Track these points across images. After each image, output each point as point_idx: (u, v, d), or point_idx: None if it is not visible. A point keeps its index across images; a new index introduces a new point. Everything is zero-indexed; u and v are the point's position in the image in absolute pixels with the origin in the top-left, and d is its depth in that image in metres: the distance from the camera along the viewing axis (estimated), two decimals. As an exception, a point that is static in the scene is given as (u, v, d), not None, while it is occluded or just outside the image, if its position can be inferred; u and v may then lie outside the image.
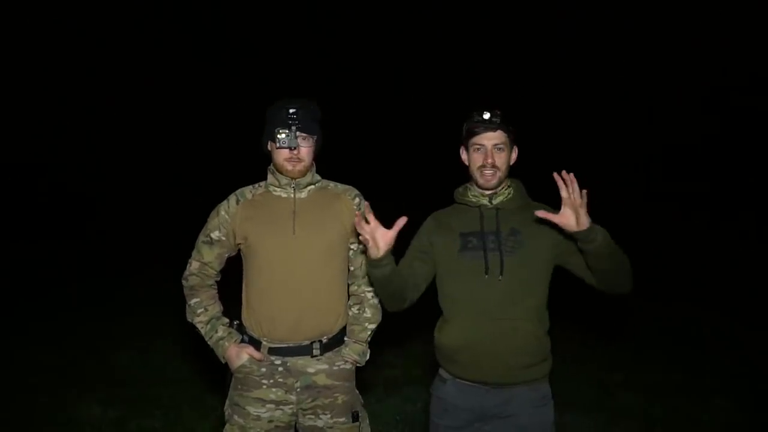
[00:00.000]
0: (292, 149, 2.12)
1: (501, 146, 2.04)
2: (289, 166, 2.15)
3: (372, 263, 1.97)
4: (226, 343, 2.19)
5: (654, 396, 4.26)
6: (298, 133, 2.11)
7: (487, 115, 2.03)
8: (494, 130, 2.03)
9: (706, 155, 14.33)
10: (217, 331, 2.21)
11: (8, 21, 13.75)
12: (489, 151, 2.03)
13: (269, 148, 2.20)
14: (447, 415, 2.08)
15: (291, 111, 2.11)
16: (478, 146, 2.05)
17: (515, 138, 2.10)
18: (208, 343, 2.24)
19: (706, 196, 13.45)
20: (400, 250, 2.20)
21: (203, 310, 2.23)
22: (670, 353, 5.33)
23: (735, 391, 4.33)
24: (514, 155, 2.12)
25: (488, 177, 2.04)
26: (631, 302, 6.93)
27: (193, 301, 2.25)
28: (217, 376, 2.42)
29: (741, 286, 7.81)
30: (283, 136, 2.10)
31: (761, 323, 6.02)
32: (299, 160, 2.15)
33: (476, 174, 2.07)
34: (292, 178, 2.18)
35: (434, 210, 2.24)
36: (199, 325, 2.24)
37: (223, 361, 2.23)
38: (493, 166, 2.03)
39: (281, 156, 2.15)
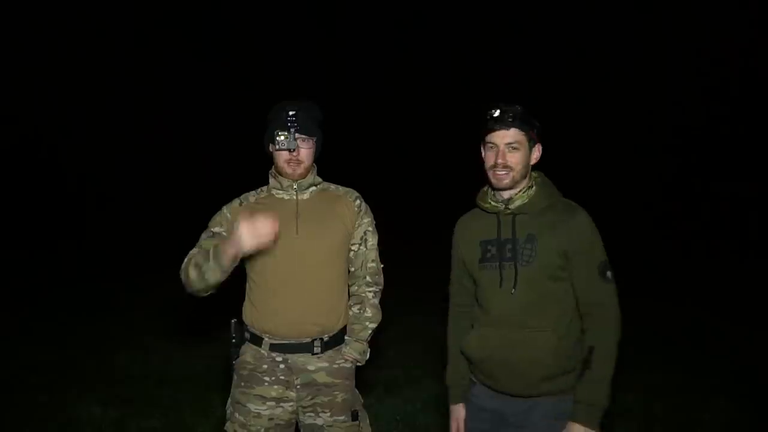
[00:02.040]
0: (291, 151, 2.13)
1: (515, 145, 1.91)
2: (288, 169, 2.17)
3: None
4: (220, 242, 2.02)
5: (654, 396, 4.26)
6: (297, 135, 2.12)
7: (497, 113, 1.91)
8: (507, 128, 1.91)
9: (707, 156, 14.33)
10: (210, 248, 2.04)
11: (12, 21, 13.76)
12: (501, 151, 1.92)
13: (270, 150, 2.21)
14: (476, 417, 2.06)
15: (290, 113, 2.12)
16: (491, 144, 1.94)
17: (537, 135, 1.98)
18: (210, 262, 2.00)
19: (707, 197, 13.45)
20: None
21: (196, 251, 2.13)
22: (670, 353, 5.33)
23: (735, 391, 4.33)
24: (537, 154, 1.99)
25: (500, 177, 1.93)
26: (630, 302, 6.92)
27: (187, 258, 2.12)
28: (217, 375, 2.43)
29: (741, 286, 7.81)
30: (282, 138, 2.11)
31: (761, 323, 6.02)
32: (299, 162, 2.16)
33: (489, 173, 1.97)
34: (293, 180, 2.19)
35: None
36: (193, 257, 2.08)
37: (228, 260, 1.97)
38: (505, 166, 1.92)
39: (281, 158, 2.16)
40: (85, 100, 15.49)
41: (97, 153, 15.41)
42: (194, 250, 2.19)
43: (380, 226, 2.35)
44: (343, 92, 15.99)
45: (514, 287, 1.91)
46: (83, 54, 15.32)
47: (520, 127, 1.92)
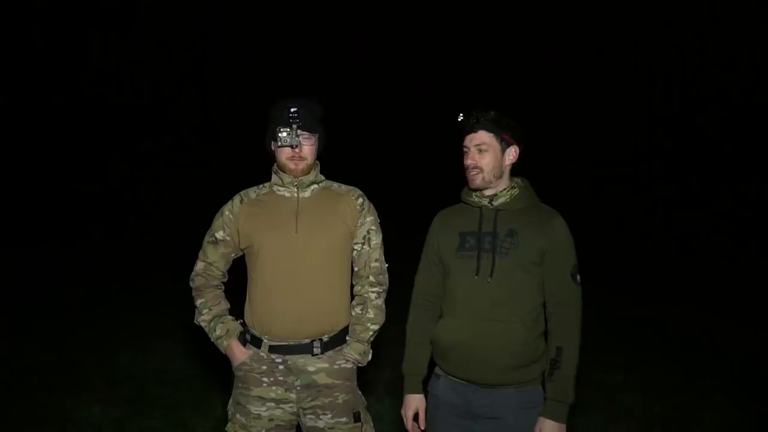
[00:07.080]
0: (294, 147, 2.14)
1: (483, 147, 2.02)
2: (291, 165, 2.17)
3: None
4: (225, 342, 2.21)
5: (654, 396, 4.26)
6: (299, 131, 2.13)
7: (460, 118, 2.05)
8: (475, 131, 2.02)
9: (705, 158, 14.35)
10: (215, 331, 2.23)
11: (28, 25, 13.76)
12: (471, 152, 2.04)
13: (273, 147, 2.21)
14: (439, 412, 2.10)
15: (292, 110, 2.12)
16: (465, 148, 2.06)
17: (512, 138, 2.04)
18: (209, 334, 2.26)
19: (705, 198, 13.47)
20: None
21: (207, 311, 2.25)
22: (670, 353, 5.34)
23: (735, 391, 4.34)
24: (512, 155, 2.06)
25: (472, 177, 2.05)
26: (630, 302, 6.93)
27: (198, 302, 2.27)
28: (217, 375, 2.43)
29: (741, 286, 7.82)
30: (285, 134, 2.12)
31: (761, 323, 6.03)
32: (301, 158, 2.16)
33: (466, 174, 2.09)
34: (295, 177, 2.19)
35: (435, 212, 2.25)
36: (203, 324, 2.26)
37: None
38: (475, 167, 2.03)
39: (284, 155, 2.16)
40: (81, 99, 15.48)
41: (95, 153, 15.40)
42: (200, 266, 2.27)
43: (384, 225, 2.34)
44: (344, 91, 15.99)
45: (491, 276, 1.98)
46: (82, 53, 15.32)
47: (488, 129, 2.02)
